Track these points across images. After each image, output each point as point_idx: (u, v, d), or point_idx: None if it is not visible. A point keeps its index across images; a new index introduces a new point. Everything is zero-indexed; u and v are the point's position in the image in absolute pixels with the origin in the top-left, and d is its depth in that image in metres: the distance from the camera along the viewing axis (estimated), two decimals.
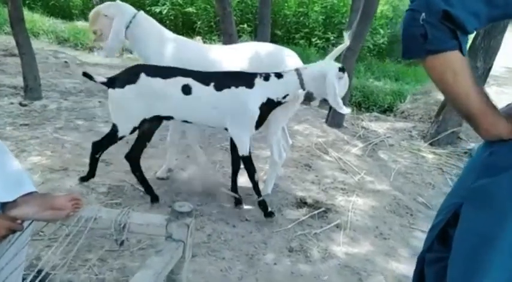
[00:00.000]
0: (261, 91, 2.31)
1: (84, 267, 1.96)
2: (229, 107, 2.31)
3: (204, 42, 8.43)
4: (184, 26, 9.37)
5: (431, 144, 4.12)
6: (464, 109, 0.91)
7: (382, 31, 8.09)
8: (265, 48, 2.67)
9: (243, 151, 2.42)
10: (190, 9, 9.02)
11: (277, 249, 2.29)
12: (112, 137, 2.49)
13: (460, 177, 1.07)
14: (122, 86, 2.32)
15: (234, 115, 2.33)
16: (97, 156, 2.55)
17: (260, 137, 3.81)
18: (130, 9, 2.74)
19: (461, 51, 0.86)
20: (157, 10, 9.05)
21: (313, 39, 8.11)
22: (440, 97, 5.23)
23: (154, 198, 2.59)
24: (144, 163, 3.07)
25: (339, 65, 2.36)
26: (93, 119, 3.89)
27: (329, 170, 3.36)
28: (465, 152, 4.01)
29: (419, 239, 2.58)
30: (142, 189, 2.70)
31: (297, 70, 2.33)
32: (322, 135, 4.10)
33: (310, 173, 3.27)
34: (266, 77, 2.32)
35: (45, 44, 7.79)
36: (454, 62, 0.86)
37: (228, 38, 4.52)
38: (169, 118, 2.44)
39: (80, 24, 8.82)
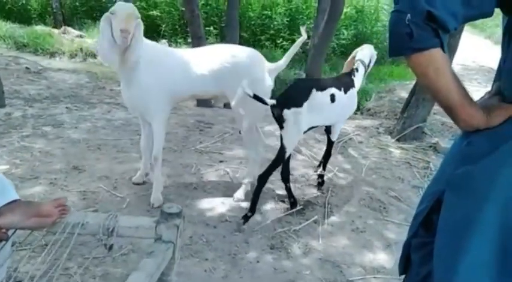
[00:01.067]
0: (356, 87, 2.77)
1: (66, 276, 1.93)
2: (348, 105, 2.72)
3: (170, 45, 8.37)
4: (148, 29, 9.20)
5: (398, 139, 4.28)
6: (444, 102, 0.98)
7: (345, 32, 8.30)
8: (242, 50, 2.69)
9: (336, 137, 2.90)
10: (154, 13, 8.92)
11: (259, 247, 2.33)
12: (280, 161, 2.51)
13: (440, 166, 1.14)
14: (300, 105, 2.35)
15: (346, 111, 2.78)
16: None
17: (236, 139, 3.84)
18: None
19: (442, 48, 0.93)
20: None
21: (279, 41, 8.21)
22: (404, 95, 5.45)
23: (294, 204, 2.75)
24: (117, 168, 3.05)
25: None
26: (61, 126, 3.80)
27: (303, 168, 3.43)
28: (430, 146, 4.18)
29: (393, 230, 2.69)
30: (119, 194, 2.68)
31: (361, 62, 2.82)
32: None
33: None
34: (354, 74, 2.77)
35: (4, 50, 7.50)
36: (436, 59, 0.93)
37: (197, 41, 4.53)
38: (313, 127, 2.62)
39: (39, 28, 8.53)
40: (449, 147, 1.13)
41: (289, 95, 2.40)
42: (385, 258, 2.38)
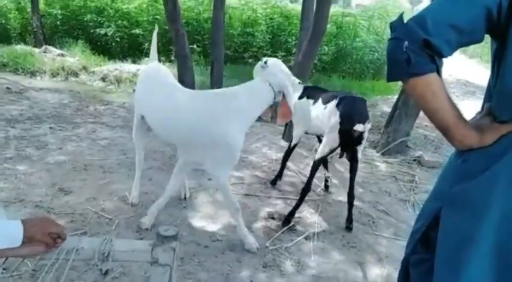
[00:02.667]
0: None
1: None
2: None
3: None
4: (130, 48, 9.24)
5: (383, 154, 4.34)
6: (440, 122, 1.01)
7: (326, 48, 8.45)
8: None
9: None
10: (136, 31, 8.93)
11: (252, 266, 2.31)
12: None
13: (436, 183, 1.16)
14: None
15: None
16: None
17: None
18: None
19: (438, 73, 0.97)
20: (102, 32, 8.88)
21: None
22: (387, 109, 5.55)
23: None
24: (104, 189, 3.00)
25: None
26: (45, 147, 3.73)
27: (291, 185, 3.44)
28: (414, 160, 4.26)
29: (383, 245, 2.71)
30: (108, 216, 2.63)
31: None
32: (281, 150, 4.18)
33: (274, 188, 3.34)
34: None
35: None
36: (433, 83, 0.97)
37: (182, 60, 4.55)
38: None
39: (20, 48, 8.40)
40: (444, 165, 1.16)
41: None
42: (378, 273, 2.39)
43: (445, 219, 1.04)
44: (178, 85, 2.62)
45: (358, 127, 2.51)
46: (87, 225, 2.53)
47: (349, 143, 2.64)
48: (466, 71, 11.52)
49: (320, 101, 2.86)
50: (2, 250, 1.22)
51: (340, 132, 2.57)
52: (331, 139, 2.63)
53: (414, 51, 0.94)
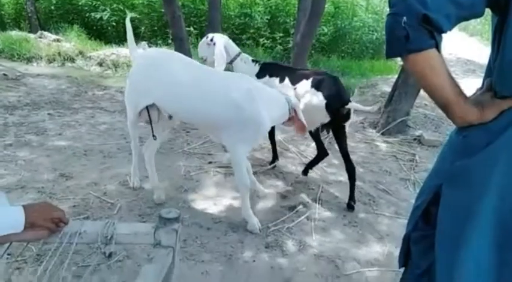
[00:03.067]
0: None
1: None
2: None
3: (149, 46, 8.28)
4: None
5: (383, 133, 4.34)
6: (441, 99, 1.00)
7: (325, 29, 8.35)
8: None
9: None
10: (132, 15, 8.80)
11: (254, 247, 2.33)
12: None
13: (437, 161, 1.16)
14: None
15: None
16: None
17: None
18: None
19: (437, 48, 0.95)
20: (98, 16, 8.77)
21: (260, 40, 8.21)
22: (386, 89, 5.52)
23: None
24: (105, 174, 3.01)
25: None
26: (44, 133, 3.72)
27: (292, 166, 3.45)
28: (414, 139, 4.26)
29: (384, 223, 2.73)
30: (110, 200, 2.64)
31: None
32: (281, 132, 4.18)
33: (274, 170, 3.34)
34: None
35: None
36: (432, 59, 0.95)
37: (179, 42, 4.49)
38: None
39: (15, 34, 8.31)
40: (446, 141, 1.16)
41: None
42: (379, 251, 2.41)
43: (445, 196, 1.04)
44: (204, 66, 2.62)
45: (350, 105, 2.66)
46: (89, 210, 2.54)
47: (339, 121, 2.72)
48: (466, 49, 11.43)
49: (287, 80, 2.86)
50: (5, 236, 1.23)
51: (330, 112, 2.63)
52: (317, 119, 2.71)
53: (413, 26, 0.92)
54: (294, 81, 2.80)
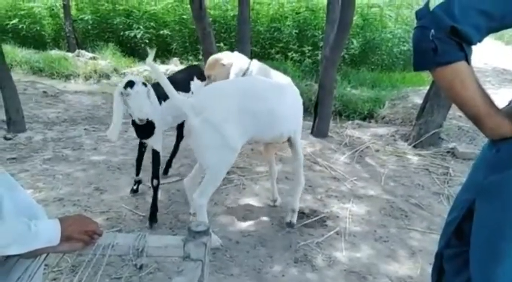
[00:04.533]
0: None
1: None
2: None
3: (181, 62, 8.50)
4: (159, 48, 9.40)
5: (415, 146, 4.25)
6: (470, 112, 0.98)
7: (354, 41, 8.32)
8: None
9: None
10: (164, 32, 9.08)
11: (283, 261, 2.32)
12: None
13: (469, 175, 1.13)
14: None
15: None
16: None
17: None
18: (245, 59, 3.13)
19: (467, 60, 0.94)
20: (132, 34, 9.08)
21: (289, 53, 8.26)
22: (418, 101, 5.42)
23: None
24: (140, 187, 3.07)
25: (129, 78, 2.38)
26: (80, 148, 3.86)
27: (321, 179, 3.43)
28: (448, 152, 4.14)
29: (416, 239, 2.66)
30: (142, 213, 2.71)
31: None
32: (309, 145, 4.17)
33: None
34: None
35: (21, 75, 7.69)
36: (461, 71, 0.94)
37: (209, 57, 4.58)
38: None
39: (54, 53, 8.75)
40: (478, 155, 1.13)
41: None
42: (411, 267, 2.35)
43: (479, 211, 1.01)
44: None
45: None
46: (122, 223, 2.61)
47: None
48: (502, 59, 11.07)
49: None
50: (43, 248, 1.29)
51: None
52: None
53: (441, 39, 0.92)
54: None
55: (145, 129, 2.53)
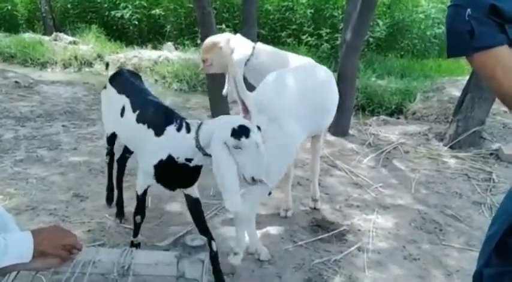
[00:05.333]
0: (166, 143, 1.99)
1: None
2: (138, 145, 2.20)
3: (176, 48, 8.52)
4: (150, 31, 9.44)
5: (451, 147, 4.23)
6: None
7: (381, 22, 8.28)
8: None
9: (137, 189, 2.26)
10: (156, 11, 9.10)
11: None
12: None
13: (509, 195, 1.12)
14: None
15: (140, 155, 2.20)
16: None
17: None
18: (248, 42, 3.13)
19: (510, 44, 0.93)
20: (118, 15, 9.10)
21: (303, 37, 8.23)
22: (456, 93, 5.38)
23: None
24: (126, 194, 3.09)
25: (236, 123, 1.79)
26: (58, 147, 3.89)
27: (341, 186, 3.42)
28: (491, 154, 4.12)
29: (452, 257, 2.65)
30: (128, 225, 2.72)
31: (200, 124, 1.93)
32: (327, 146, 4.16)
33: (319, 190, 3.32)
34: (179, 127, 1.97)
35: None
36: (504, 57, 0.93)
37: None
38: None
39: (28, 36, 8.80)
40: None
41: None
42: None
43: None
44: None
45: None
46: (105, 235, 2.62)
47: None
48: None
49: None
50: (12, 265, 1.29)
51: None
52: None
53: (479, 19, 0.91)
54: None
55: (194, 173, 2.10)
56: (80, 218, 2.80)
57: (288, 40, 8.45)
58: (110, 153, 2.82)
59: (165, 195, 3.12)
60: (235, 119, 1.86)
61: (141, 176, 2.22)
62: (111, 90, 2.45)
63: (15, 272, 1.36)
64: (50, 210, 2.86)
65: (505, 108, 5.03)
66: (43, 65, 7.93)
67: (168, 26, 9.20)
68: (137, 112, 2.16)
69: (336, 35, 8.02)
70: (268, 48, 3.15)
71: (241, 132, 1.75)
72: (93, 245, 2.51)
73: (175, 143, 1.96)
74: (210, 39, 3.11)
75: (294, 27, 8.58)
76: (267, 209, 3.03)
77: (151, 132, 2.04)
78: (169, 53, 7.93)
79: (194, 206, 2.24)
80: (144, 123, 2.09)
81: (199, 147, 1.87)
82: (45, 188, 3.14)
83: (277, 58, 3.05)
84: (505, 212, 1.10)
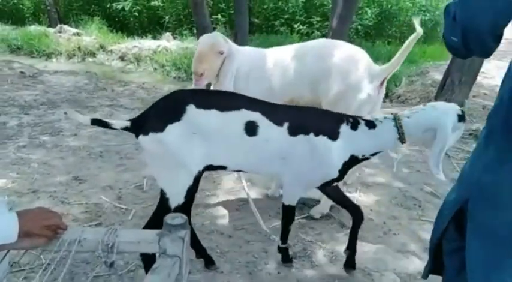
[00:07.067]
0: (346, 145, 1.86)
1: None
2: (299, 158, 1.89)
3: (174, 38, 8.43)
4: (150, 22, 9.34)
5: None
6: None
7: (369, 11, 8.19)
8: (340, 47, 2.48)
9: (289, 201, 2.11)
10: (156, 3, 9.00)
11: (279, 257, 2.31)
12: (163, 211, 1.84)
13: (469, 165, 1.10)
14: (160, 129, 1.77)
15: (301, 168, 1.91)
16: None
17: None
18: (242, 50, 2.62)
19: None
20: (119, 7, 9.00)
21: (295, 26, 8.15)
22: (438, 77, 5.34)
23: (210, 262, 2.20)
24: (121, 177, 3.08)
25: (458, 110, 1.79)
26: (59, 133, 3.87)
27: None
28: (470, 134, 4.10)
29: (430, 231, 2.62)
30: (123, 206, 2.71)
31: (396, 118, 1.83)
32: None
33: None
34: (354, 125, 1.87)
35: None
36: None
37: (203, 32, 4.52)
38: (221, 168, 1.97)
39: (34, 29, 8.72)
40: (473, 151, 1.09)
41: (149, 114, 1.82)
42: (423, 263, 2.32)
43: (473, 214, 0.99)
44: None
45: None
46: (102, 216, 2.61)
47: None
48: None
49: None
50: (1, 245, 1.28)
51: None
52: None
53: None
54: None
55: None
56: (79, 199, 2.78)
57: (281, 29, 8.38)
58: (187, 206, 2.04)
59: None
60: (454, 106, 1.82)
61: (297, 189, 2.06)
62: (202, 114, 1.78)
63: (5, 251, 1.35)
64: (50, 192, 2.84)
65: (485, 90, 5.00)
66: (48, 56, 7.86)
67: (167, 17, 9.11)
68: (286, 124, 1.84)
69: (326, 23, 7.94)
70: (256, 52, 2.67)
71: (463, 117, 1.78)
72: (90, 224, 2.50)
73: (356, 142, 1.86)
74: (206, 46, 2.46)
75: (286, 16, 8.50)
76: (256, 190, 3.01)
77: (322, 139, 1.84)
78: (168, 42, 7.86)
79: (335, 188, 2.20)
80: (306, 134, 1.84)
81: (401, 139, 1.81)
82: (46, 171, 3.12)
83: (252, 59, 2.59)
84: (454, 199, 1.08)
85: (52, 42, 8.04)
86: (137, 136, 1.79)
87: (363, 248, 2.44)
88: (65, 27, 8.79)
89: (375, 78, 2.35)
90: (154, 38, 8.51)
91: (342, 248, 2.42)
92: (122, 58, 7.67)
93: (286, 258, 2.25)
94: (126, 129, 1.81)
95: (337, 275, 2.21)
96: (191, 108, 1.75)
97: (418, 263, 2.33)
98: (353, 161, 1.91)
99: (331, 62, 2.36)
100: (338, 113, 1.95)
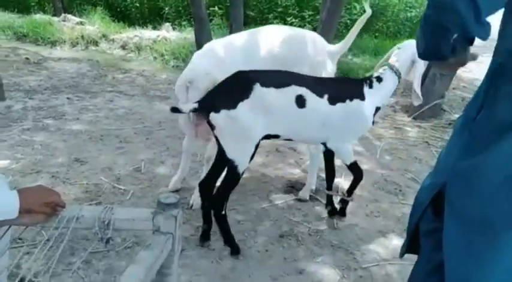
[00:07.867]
0: (371, 101, 2.18)
1: (69, 272, 1.95)
2: (344, 119, 2.12)
3: (174, 28, 8.33)
4: (151, 13, 9.22)
5: (415, 118, 4.20)
6: None
7: (357, 6, 8.13)
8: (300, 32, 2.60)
9: (349, 160, 2.31)
10: None
11: (268, 236, 2.32)
12: (235, 179, 2.07)
13: (441, 157, 1.09)
14: (233, 106, 1.91)
15: (343, 131, 2.17)
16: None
17: None
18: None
19: None
20: None
21: (288, 19, 8.08)
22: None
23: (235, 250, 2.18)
24: (120, 159, 3.07)
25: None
26: (62, 117, 3.83)
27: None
28: (449, 124, 4.11)
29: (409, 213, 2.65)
30: (122, 187, 2.69)
31: (391, 66, 2.19)
32: None
33: (293, 156, 3.31)
34: (370, 84, 2.19)
35: (3, 41, 7.58)
36: None
37: (199, 23, 4.48)
38: (275, 137, 2.13)
39: (39, 17, 8.57)
40: (450, 137, 1.08)
41: (219, 93, 1.97)
42: (402, 243, 2.35)
43: (450, 198, 0.98)
44: None
45: None
46: (101, 196, 2.60)
47: None
48: None
49: None
50: (2, 221, 1.27)
51: None
52: None
53: None
54: None
55: None
56: (79, 179, 2.76)
57: (275, 21, 8.28)
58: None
59: (156, 160, 3.10)
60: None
61: (349, 148, 2.28)
62: (265, 91, 1.95)
63: (7, 226, 1.34)
64: (53, 172, 2.82)
65: (464, 83, 5.00)
66: (53, 44, 7.73)
67: (167, 8, 8.99)
68: (326, 96, 2.06)
69: (317, 17, 7.87)
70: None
71: None
72: (90, 203, 2.49)
73: (376, 96, 2.19)
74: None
75: (279, 9, 8.41)
76: (248, 170, 3.00)
77: (355, 102, 2.13)
78: (167, 33, 7.76)
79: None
80: (343, 101, 2.10)
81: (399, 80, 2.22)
82: (49, 153, 3.10)
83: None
84: (432, 183, 1.08)
85: (56, 31, 7.91)
86: (208, 114, 1.93)
87: (345, 228, 2.46)
88: (69, 16, 8.64)
89: (333, 56, 2.59)
90: (155, 28, 8.40)
91: (326, 228, 2.44)
92: (123, 47, 7.56)
93: (344, 211, 2.53)
94: (194, 110, 1.95)
95: (321, 252, 2.22)
96: (257, 87, 1.93)
97: (397, 243, 2.35)
98: (376, 111, 2.24)
99: (299, 47, 2.48)
100: (358, 78, 2.35)
